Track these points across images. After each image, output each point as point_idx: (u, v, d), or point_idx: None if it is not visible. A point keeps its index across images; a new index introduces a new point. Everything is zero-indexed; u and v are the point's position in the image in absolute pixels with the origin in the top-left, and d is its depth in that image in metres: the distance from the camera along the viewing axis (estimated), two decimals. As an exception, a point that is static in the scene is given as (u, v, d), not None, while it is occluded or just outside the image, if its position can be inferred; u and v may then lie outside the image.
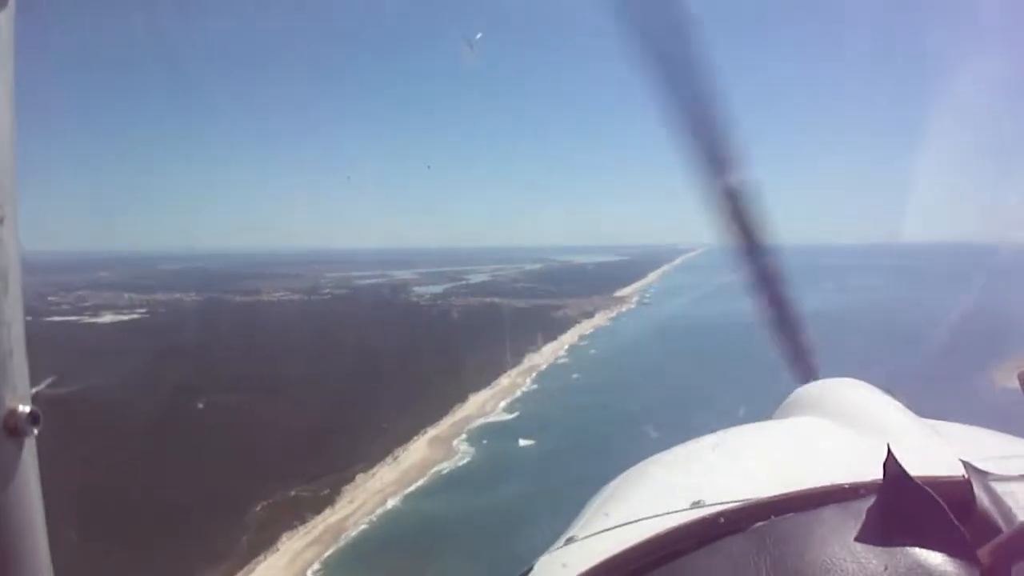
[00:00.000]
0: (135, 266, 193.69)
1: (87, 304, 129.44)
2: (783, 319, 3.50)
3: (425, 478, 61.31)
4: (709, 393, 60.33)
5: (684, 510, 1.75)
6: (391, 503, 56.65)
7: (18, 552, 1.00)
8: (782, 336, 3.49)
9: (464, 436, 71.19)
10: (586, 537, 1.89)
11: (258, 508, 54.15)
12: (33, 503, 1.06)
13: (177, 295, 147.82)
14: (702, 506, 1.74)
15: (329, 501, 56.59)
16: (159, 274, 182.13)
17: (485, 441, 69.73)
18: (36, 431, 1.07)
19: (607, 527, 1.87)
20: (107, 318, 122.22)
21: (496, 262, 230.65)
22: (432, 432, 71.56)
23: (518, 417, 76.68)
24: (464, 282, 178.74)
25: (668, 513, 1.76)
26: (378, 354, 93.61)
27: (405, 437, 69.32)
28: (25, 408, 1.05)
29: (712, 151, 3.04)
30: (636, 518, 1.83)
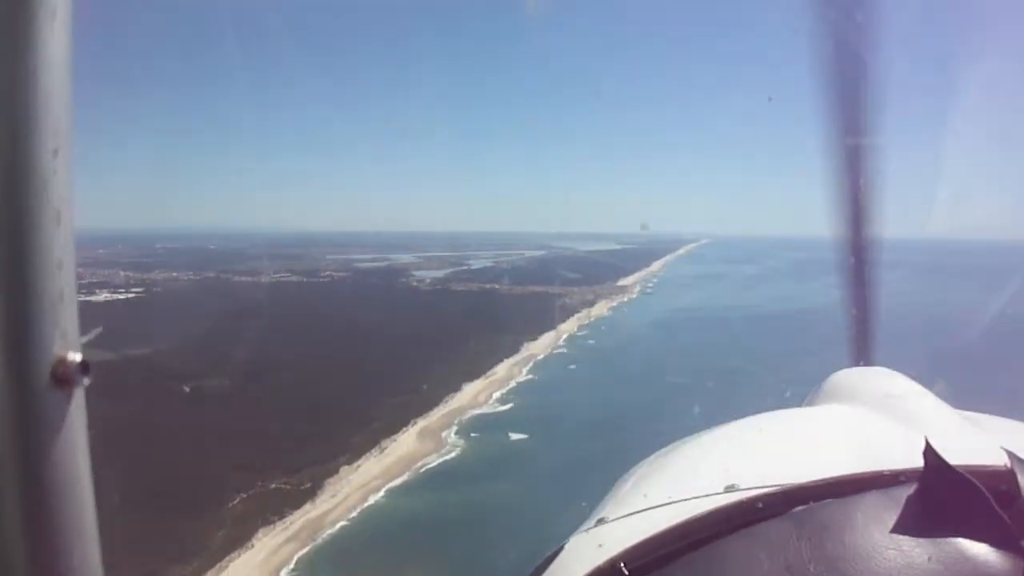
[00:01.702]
0: (134, 244, 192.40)
1: (83, 282, 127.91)
2: (861, 300, 3.48)
3: (410, 472, 59.42)
4: (710, 389, 58.17)
5: (718, 493, 1.73)
6: (373, 499, 54.81)
7: (65, 510, 0.95)
8: (854, 316, 3.49)
9: (455, 428, 69.31)
10: (619, 518, 1.88)
11: (236, 501, 52.50)
12: (80, 461, 0.99)
13: (174, 274, 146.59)
14: (736, 490, 1.72)
15: (310, 495, 54.84)
16: (158, 253, 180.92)
17: (476, 434, 67.78)
18: (87, 381, 0.98)
19: (640, 508, 1.85)
20: (102, 296, 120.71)
21: (499, 248, 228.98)
22: (422, 423, 69.60)
23: (511, 409, 74.69)
24: (465, 267, 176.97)
25: (703, 496, 1.74)
26: (374, 339, 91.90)
27: (394, 428, 67.38)
28: (76, 356, 0.96)
29: (853, 111, 3.12)
30: (669, 500, 1.80)
